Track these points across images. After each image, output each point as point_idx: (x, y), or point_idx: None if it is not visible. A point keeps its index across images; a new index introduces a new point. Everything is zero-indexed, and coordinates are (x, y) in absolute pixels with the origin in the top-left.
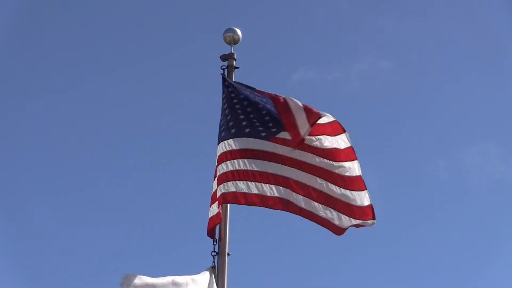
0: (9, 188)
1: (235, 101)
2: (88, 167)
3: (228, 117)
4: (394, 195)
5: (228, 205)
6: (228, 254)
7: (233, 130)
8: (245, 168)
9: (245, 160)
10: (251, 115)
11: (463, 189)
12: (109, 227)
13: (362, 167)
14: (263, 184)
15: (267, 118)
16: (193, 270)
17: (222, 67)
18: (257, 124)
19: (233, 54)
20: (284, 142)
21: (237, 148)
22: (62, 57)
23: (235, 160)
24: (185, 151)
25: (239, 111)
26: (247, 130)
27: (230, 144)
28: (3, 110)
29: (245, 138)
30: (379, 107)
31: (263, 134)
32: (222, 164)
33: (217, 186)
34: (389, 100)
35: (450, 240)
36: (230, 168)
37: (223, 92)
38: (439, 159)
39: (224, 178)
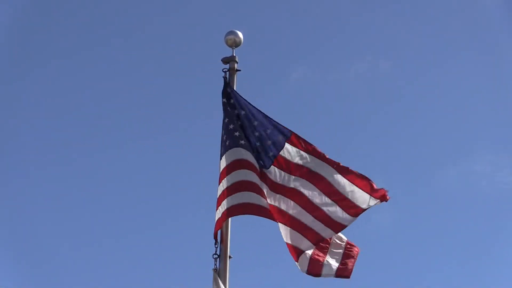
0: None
1: (229, 108)
2: (89, 170)
3: (223, 131)
4: (404, 204)
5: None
6: (230, 257)
7: (227, 142)
8: (223, 188)
9: (227, 177)
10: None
11: (473, 198)
12: (110, 228)
13: (372, 177)
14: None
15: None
16: (194, 273)
17: (224, 70)
18: (236, 134)
19: (234, 57)
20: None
21: (225, 165)
22: (64, 60)
23: (223, 180)
24: (187, 154)
25: (232, 124)
26: (227, 143)
27: (223, 161)
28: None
29: (230, 150)
30: (381, 109)
31: (241, 142)
32: (221, 183)
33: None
34: (391, 102)
35: (459, 248)
36: (221, 190)
37: (223, 96)
38: (449, 168)
39: (218, 200)
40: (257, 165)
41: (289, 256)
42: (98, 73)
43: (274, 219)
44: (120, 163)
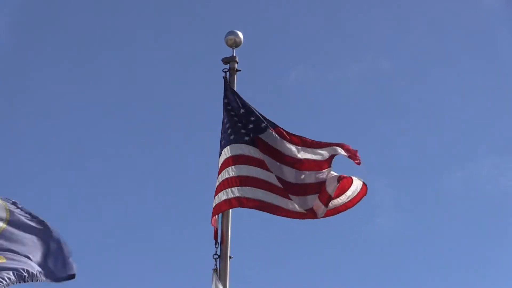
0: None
1: (229, 107)
2: (88, 170)
3: (227, 125)
4: (408, 207)
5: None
6: (230, 257)
7: (232, 137)
8: (229, 175)
9: (232, 167)
10: (242, 120)
11: (478, 201)
12: (111, 229)
13: (374, 177)
14: (238, 188)
15: (252, 118)
16: (195, 273)
17: (224, 70)
18: (243, 130)
19: (234, 57)
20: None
21: (229, 155)
22: (63, 61)
23: (228, 168)
24: (188, 154)
25: (236, 118)
26: (232, 137)
27: (225, 152)
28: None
29: (236, 145)
30: (382, 109)
31: (246, 138)
32: (223, 172)
33: (216, 194)
34: (392, 103)
35: (464, 251)
36: (225, 176)
37: (224, 97)
38: (454, 171)
39: (219, 187)
40: (263, 159)
41: (289, 256)
42: (98, 73)
43: (291, 217)
44: (120, 163)
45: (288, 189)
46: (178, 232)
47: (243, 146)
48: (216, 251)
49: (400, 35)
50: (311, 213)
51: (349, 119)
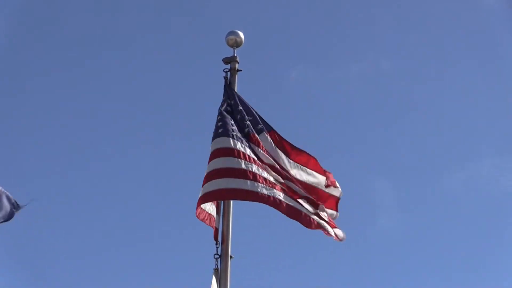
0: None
1: (222, 105)
2: (89, 170)
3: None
4: (410, 207)
5: (231, 208)
6: (231, 257)
7: (213, 135)
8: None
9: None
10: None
11: (479, 201)
12: (111, 228)
13: (375, 177)
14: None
15: (249, 118)
16: (196, 273)
17: (225, 70)
18: (221, 123)
19: (235, 57)
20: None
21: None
22: (64, 62)
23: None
24: (188, 153)
25: (221, 112)
26: (213, 135)
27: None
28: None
29: (214, 140)
30: (382, 109)
31: (220, 130)
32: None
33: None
34: (392, 103)
35: (465, 251)
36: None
37: (223, 96)
38: (455, 171)
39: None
40: (237, 146)
41: (290, 256)
42: (98, 73)
43: (257, 201)
44: (120, 163)
45: (282, 175)
46: (178, 232)
47: (220, 139)
48: (217, 251)
49: (400, 35)
50: (299, 200)
51: (349, 119)
